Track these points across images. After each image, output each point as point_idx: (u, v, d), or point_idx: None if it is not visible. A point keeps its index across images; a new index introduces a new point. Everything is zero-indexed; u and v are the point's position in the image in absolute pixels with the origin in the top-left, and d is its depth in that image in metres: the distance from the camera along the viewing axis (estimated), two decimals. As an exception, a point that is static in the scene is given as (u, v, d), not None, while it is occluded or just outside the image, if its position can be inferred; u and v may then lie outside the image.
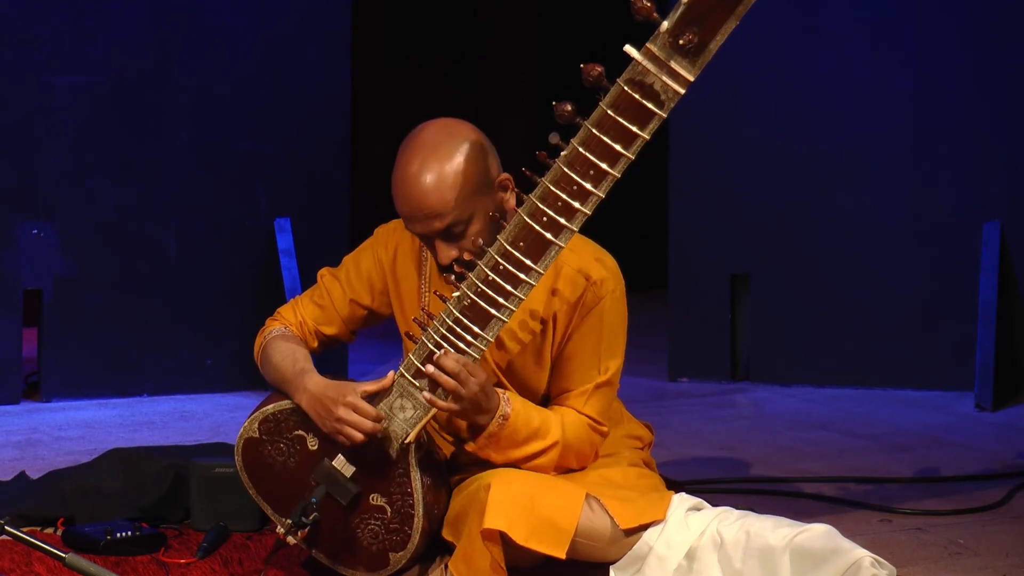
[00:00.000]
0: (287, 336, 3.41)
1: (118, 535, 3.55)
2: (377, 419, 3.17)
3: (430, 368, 3.13)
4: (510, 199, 3.23)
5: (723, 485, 4.29)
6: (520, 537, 3.08)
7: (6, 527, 2.91)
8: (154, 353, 5.60)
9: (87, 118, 5.47)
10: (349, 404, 3.17)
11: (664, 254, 5.96)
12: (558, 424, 3.27)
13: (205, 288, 5.65)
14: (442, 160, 3.16)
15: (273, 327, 3.45)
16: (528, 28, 8.41)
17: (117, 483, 3.85)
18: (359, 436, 3.17)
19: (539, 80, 8.39)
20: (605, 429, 3.33)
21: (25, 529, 3.36)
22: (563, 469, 3.31)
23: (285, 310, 3.48)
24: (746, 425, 5.28)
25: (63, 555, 2.84)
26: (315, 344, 3.45)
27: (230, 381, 5.66)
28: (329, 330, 3.45)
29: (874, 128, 5.74)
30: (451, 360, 3.11)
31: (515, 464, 3.27)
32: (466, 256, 3.14)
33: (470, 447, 3.25)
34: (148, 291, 5.58)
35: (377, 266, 3.42)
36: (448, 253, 3.18)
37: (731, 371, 5.93)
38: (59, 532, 3.71)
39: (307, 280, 5.52)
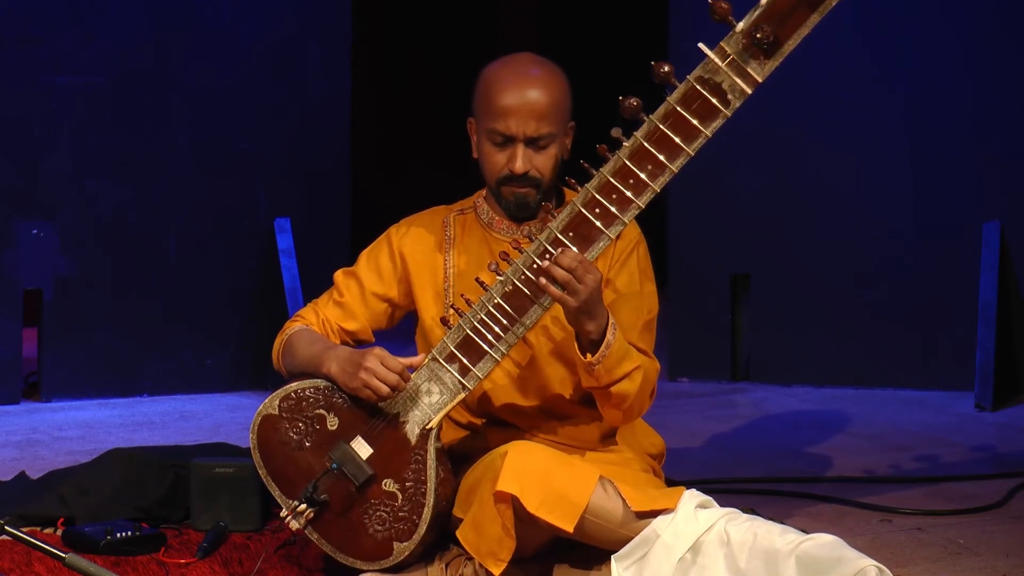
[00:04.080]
0: (311, 330, 3.44)
1: (118, 535, 3.55)
2: (403, 375, 3.21)
3: (545, 263, 3.13)
4: (569, 146, 3.37)
5: (723, 485, 4.29)
6: (531, 505, 3.09)
7: (6, 527, 2.91)
8: (154, 353, 5.60)
9: (87, 118, 5.47)
10: (377, 355, 3.22)
11: (664, 254, 5.96)
12: (634, 350, 3.30)
13: (205, 288, 5.65)
14: (548, 68, 3.35)
15: (294, 326, 3.47)
16: (528, 28, 8.41)
17: (117, 483, 3.85)
18: (384, 388, 3.20)
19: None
20: (657, 365, 3.37)
21: (25, 529, 3.36)
22: (635, 407, 3.30)
23: (305, 311, 3.50)
24: (746, 425, 5.28)
25: (63, 555, 2.84)
26: (337, 343, 3.46)
27: (230, 381, 5.67)
28: (350, 326, 3.46)
29: (874, 128, 5.74)
30: (567, 258, 3.12)
31: (608, 387, 3.24)
32: (512, 244, 3.20)
33: (588, 360, 3.20)
34: (148, 291, 5.59)
35: (396, 257, 3.46)
36: (524, 163, 3.28)
37: (731, 371, 5.93)
38: (59, 532, 3.71)
39: (307, 280, 5.52)
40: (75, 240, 5.48)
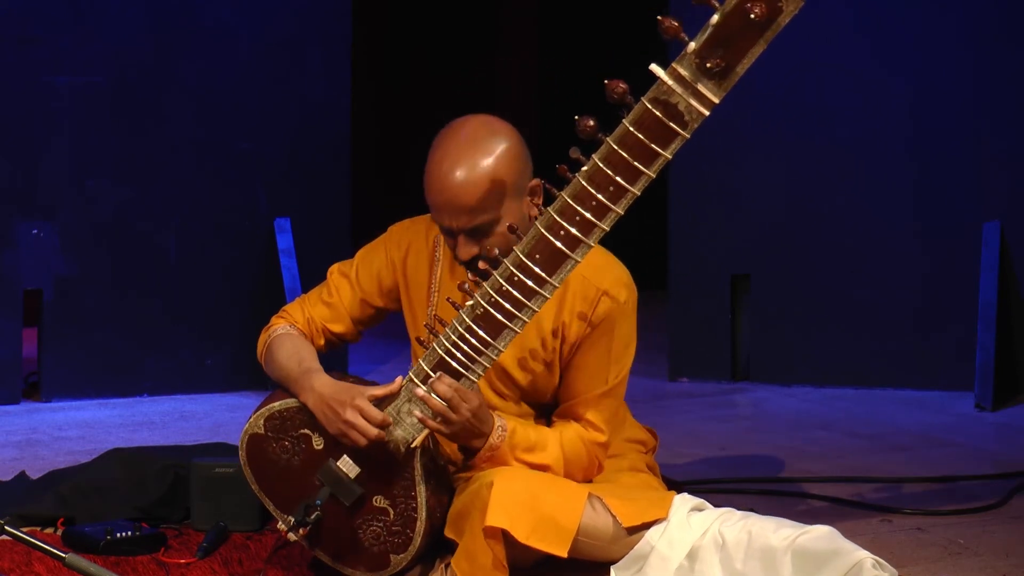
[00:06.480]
0: (292, 335, 3.40)
1: (118, 535, 3.55)
2: (383, 425, 3.17)
3: (419, 391, 3.14)
4: (539, 203, 3.22)
5: (723, 485, 4.29)
6: (522, 535, 3.08)
7: (6, 527, 2.91)
8: (154, 353, 5.60)
9: (87, 118, 5.47)
10: (356, 407, 3.16)
11: (664, 254, 5.96)
12: (556, 441, 3.27)
13: (205, 288, 5.65)
14: (480, 158, 3.14)
15: (279, 324, 3.44)
16: (528, 29, 8.41)
17: (117, 483, 3.85)
18: (364, 440, 3.17)
19: (538, 81, 8.39)
20: (604, 439, 3.30)
21: (25, 529, 3.36)
22: (573, 476, 3.30)
23: (292, 308, 3.47)
24: (746, 425, 5.28)
25: (63, 555, 2.84)
26: (321, 342, 3.45)
27: (230, 381, 5.66)
28: (337, 328, 3.44)
29: (874, 128, 5.74)
30: (443, 385, 3.11)
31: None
32: (481, 265, 3.13)
33: (473, 461, 3.25)
34: (148, 291, 5.58)
35: (389, 264, 3.42)
36: (470, 250, 3.17)
37: (731, 371, 5.93)
38: (59, 532, 3.71)
39: (307, 280, 5.52)
40: (75, 240, 5.48)
